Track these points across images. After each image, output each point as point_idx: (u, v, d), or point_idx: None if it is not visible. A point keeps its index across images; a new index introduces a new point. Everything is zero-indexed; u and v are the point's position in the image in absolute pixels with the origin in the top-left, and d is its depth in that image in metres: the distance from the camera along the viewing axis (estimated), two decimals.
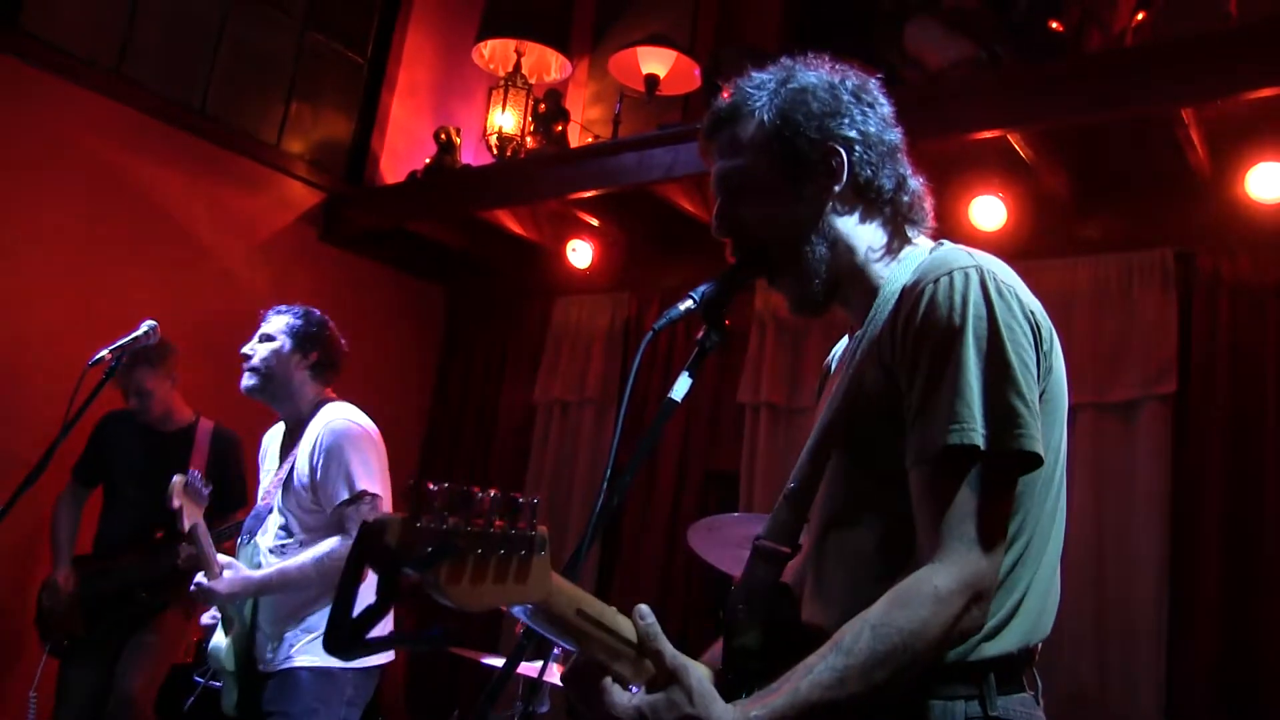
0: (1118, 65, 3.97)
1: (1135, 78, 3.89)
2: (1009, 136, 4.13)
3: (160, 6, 5.45)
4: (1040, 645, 1.45)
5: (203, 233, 5.46)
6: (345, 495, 3.13)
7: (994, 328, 1.36)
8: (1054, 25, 4.35)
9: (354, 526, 3.12)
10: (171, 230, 5.32)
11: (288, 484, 3.24)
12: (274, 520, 3.27)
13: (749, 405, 5.18)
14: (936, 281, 1.40)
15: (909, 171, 1.60)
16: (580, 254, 5.76)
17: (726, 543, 3.42)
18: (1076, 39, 4.33)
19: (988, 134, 4.13)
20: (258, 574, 3.15)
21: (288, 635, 3.17)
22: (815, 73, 1.58)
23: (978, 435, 1.32)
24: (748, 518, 3.57)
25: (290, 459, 3.26)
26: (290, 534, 3.23)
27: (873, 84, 1.61)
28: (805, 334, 5.12)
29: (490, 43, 6.05)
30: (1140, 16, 4.19)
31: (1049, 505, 1.46)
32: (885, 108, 1.60)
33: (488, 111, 6.18)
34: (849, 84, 1.57)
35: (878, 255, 1.57)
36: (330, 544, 3.13)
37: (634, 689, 1.27)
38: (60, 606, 4.05)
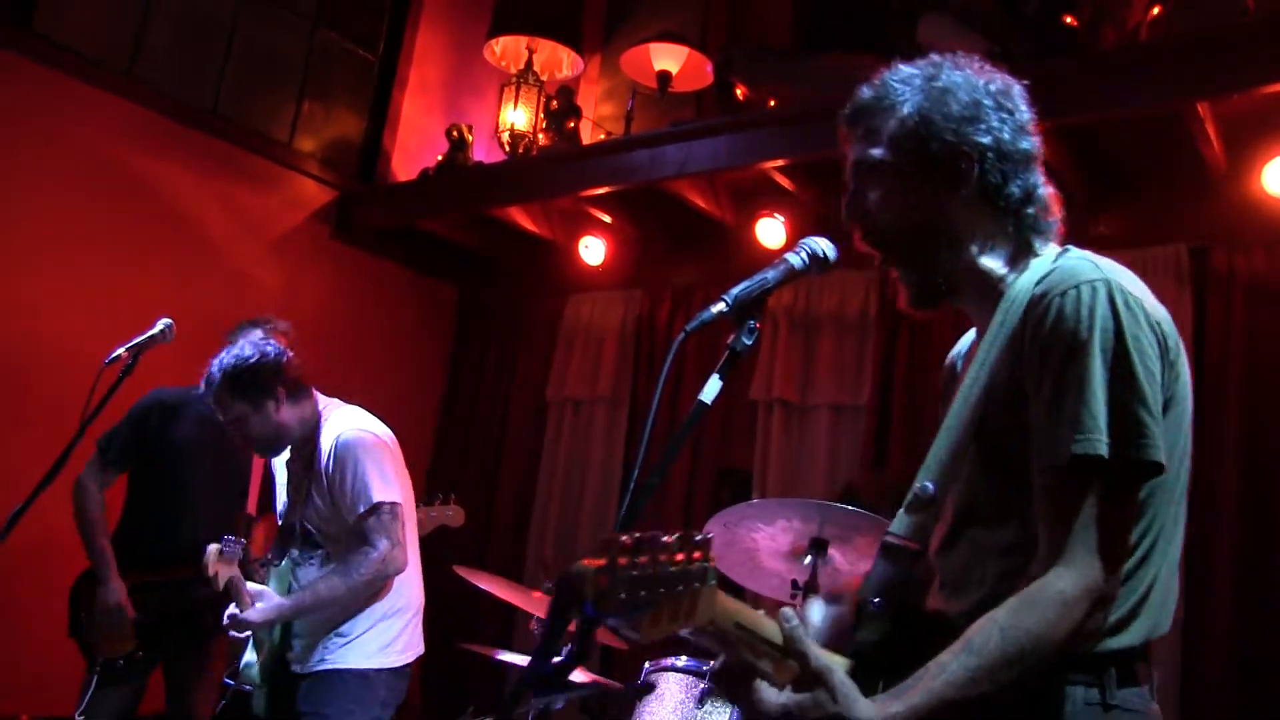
0: (1132, 60, 3.96)
1: (1150, 73, 3.88)
2: None
3: (171, 7, 5.47)
4: (1157, 640, 1.49)
5: (215, 231, 5.48)
6: (362, 509, 3.11)
7: (1121, 340, 1.41)
8: (1067, 20, 4.34)
9: (376, 538, 3.11)
10: (184, 229, 5.34)
11: (307, 498, 3.23)
12: (298, 534, 3.28)
13: (761, 402, 5.18)
14: (1064, 294, 1.44)
15: (1040, 181, 1.63)
16: (592, 251, 5.77)
17: (738, 548, 3.41)
18: (1090, 34, 4.31)
19: None
20: (290, 600, 3.13)
21: (323, 640, 3.18)
22: (961, 73, 1.61)
23: (1102, 445, 1.37)
24: (763, 505, 3.56)
25: (310, 473, 3.24)
26: (316, 545, 3.24)
27: (1016, 90, 1.63)
28: (817, 332, 5.12)
29: (501, 39, 6.05)
30: (1155, 11, 4.17)
31: (1174, 506, 1.51)
32: (1024, 115, 1.62)
33: (499, 108, 6.17)
34: (992, 88, 1.60)
35: (1001, 261, 1.61)
36: (357, 562, 3.12)
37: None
38: (119, 627, 3.67)
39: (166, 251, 5.23)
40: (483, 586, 4.01)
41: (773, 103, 5.06)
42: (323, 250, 5.97)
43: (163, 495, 3.83)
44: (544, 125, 5.97)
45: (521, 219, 5.79)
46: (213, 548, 3.13)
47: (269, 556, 3.35)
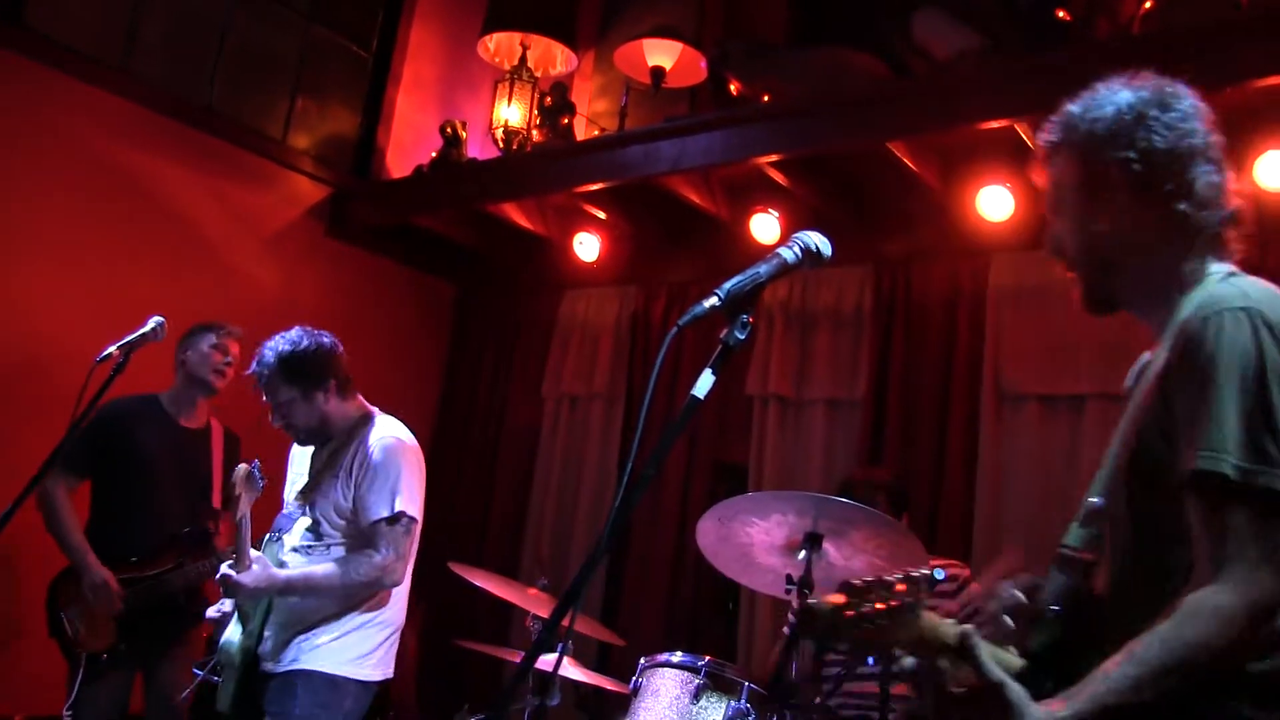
0: (1125, 53, 3.95)
1: (1142, 65, 3.86)
2: (1016, 126, 4.12)
3: (165, 2, 5.46)
4: None
5: (209, 229, 5.46)
6: (386, 513, 3.15)
7: (1259, 368, 1.46)
8: (1060, 14, 4.34)
9: (385, 545, 3.14)
10: (178, 226, 5.32)
11: (328, 490, 3.25)
12: (303, 522, 3.28)
13: (757, 397, 5.18)
14: (1205, 320, 1.50)
15: (1203, 172, 1.67)
16: (587, 247, 5.76)
17: (733, 543, 3.41)
18: (1084, 27, 4.31)
19: (995, 124, 4.11)
20: (284, 573, 3.15)
21: (296, 639, 3.17)
22: (1112, 94, 1.70)
23: (1228, 464, 1.42)
24: (758, 499, 3.56)
25: (336, 467, 3.27)
26: (319, 537, 3.24)
27: (1168, 93, 1.68)
28: (813, 327, 5.12)
29: (495, 36, 6.04)
30: (1148, 4, 4.18)
31: None
32: (1174, 114, 1.66)
33: (493, 105, 6.16)
34: (1135, 99, 1.67)
35: (1169, 278, 1.66)
36: (359, 561, 3.14)
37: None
38: (109, 606, 3.78)
39: (161, 248, 5.21)
40: (479, 584, 4.01)
41: (766, 98, 5.06)
42: (317, 247, 5.96)
43: (127, 498, 3.96)
44: (538, 121, 5.96)
45: (516, 215, 5.78)
46: (243, 467, 3.13)
47: (270, 534, 3.35)
